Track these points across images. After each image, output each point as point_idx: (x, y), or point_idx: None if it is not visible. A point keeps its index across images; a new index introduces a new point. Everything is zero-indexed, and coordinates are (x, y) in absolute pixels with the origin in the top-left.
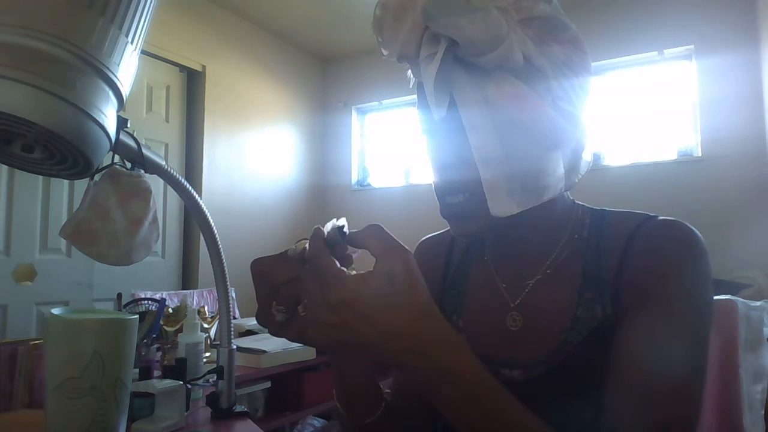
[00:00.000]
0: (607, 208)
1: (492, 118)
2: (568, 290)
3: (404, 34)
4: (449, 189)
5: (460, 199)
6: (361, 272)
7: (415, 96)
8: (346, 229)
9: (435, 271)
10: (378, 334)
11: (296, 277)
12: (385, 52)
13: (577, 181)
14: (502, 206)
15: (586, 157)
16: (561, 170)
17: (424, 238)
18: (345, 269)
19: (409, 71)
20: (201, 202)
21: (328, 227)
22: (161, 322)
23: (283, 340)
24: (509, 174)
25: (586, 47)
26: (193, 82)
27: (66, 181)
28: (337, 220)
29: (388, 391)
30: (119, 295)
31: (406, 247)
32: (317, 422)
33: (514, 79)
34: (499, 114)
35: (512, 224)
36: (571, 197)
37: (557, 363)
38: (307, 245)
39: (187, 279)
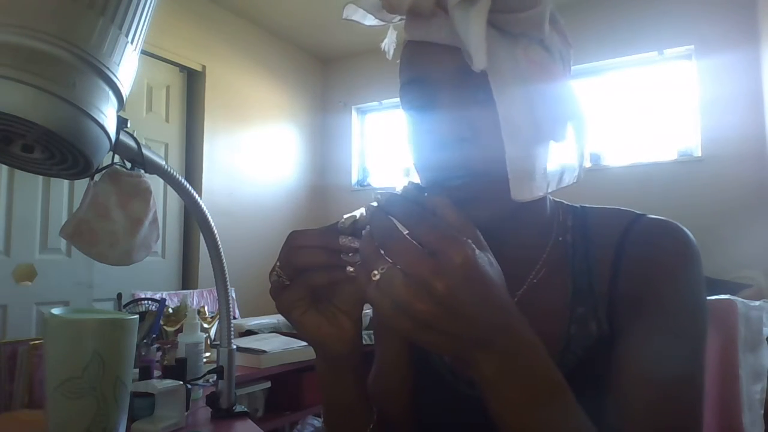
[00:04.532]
0: (588, 206)
1: (522, 86)
2: (558, 304)
3: None
4: (449, 171)
5: (461, 181)
6: (469, 256)
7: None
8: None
9: None
10: (478, 321)
11: (328, 265)
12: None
13: (582, 176)
14: (523, 189)
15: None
16: (581, 154)
17: None
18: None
19: (386, 41)
20: (201, 202)
21: (398, 189)
22: (161, 322)
23: (284, 339)
24: (534, 152)
25: (570, 41)
26: (193, 82)
27: (66, 181)
28: (405, 181)
29: None
30: (119, 295)
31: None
32: (317, 422)
33: (538, 47)
34: (528, 82)
35: (498, 227)
36: (551, 195)
37: None
38: (359, 215)
39: (187, 279)
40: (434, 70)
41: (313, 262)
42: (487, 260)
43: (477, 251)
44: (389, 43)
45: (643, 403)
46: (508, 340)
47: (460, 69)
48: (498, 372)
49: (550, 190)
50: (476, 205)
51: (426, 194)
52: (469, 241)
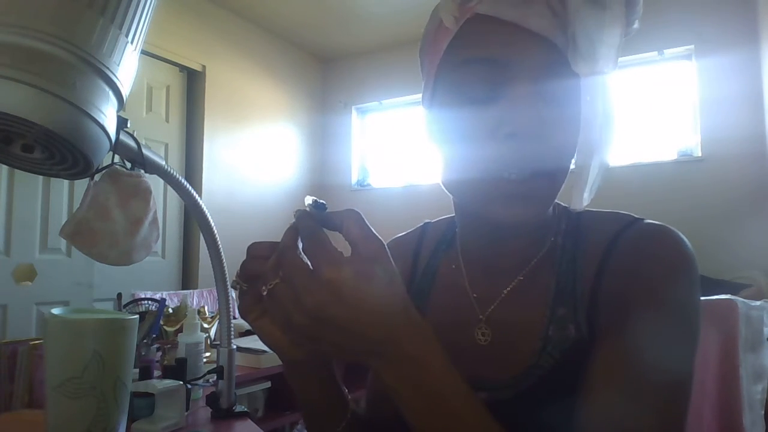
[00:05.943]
0: (585, 209)
1: (602, 95)
2: (539, 304)
3: None
4: (512, 165)
5: (523, 177)
6: (337, 274)
7: (419, 94)
8: (323, 201)
9: (401, 275)
10: (353, 336)
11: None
12: None
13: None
14: (581, 196)
15: None
16: (604, 170)
17: (392, 238)
18: (318, 269)
19: (443, 12)
20: (201, 202)
21: (308, 202)
22: (161, 322)
23: None
24: (592, 161)
25: None
26: (193, 82)
27: (66, 181)
28: (309, 199)
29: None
30: (119, 295)
31: (381, 238)
32: None
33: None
34: (604, 91)
35: (512, 226)
36: None
37: (526, 388)
38: None
39: (187, 279)
40: (516, 55)
41: (261, 271)
42: (373, 275)
43: (356, 268)
44: (446, 12)
45: (624, 405)
46: (400, 351)
47: (544, 62)
48: (396, 380)
49: (590, 201)
50: (533, 203)
51: (327, 210)
52: (349, 258)
